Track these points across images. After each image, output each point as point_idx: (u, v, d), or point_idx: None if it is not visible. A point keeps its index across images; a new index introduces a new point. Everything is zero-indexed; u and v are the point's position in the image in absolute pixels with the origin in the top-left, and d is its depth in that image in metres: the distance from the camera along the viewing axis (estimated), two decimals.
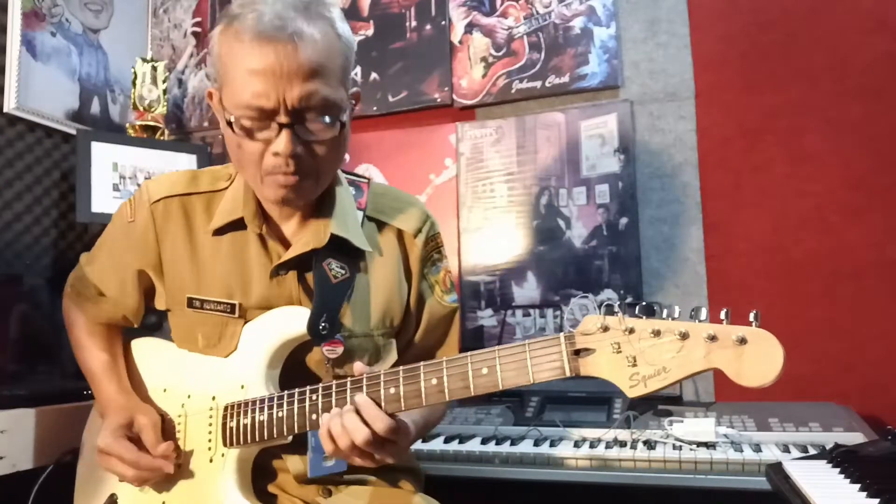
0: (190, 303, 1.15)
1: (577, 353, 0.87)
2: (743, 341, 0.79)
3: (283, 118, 0.99)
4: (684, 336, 0.81)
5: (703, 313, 0.82)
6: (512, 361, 0.90)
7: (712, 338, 0.80)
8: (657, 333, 0.83)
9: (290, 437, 1.05)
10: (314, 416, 1.01)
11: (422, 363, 0.96)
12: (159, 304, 1.23)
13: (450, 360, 0.94)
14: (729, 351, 0.80)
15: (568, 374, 0.87)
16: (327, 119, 1.01)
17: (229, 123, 1.00)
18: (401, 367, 0.97)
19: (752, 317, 0.81)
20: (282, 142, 0.99)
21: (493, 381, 0.91)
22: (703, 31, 2.03)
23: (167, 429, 1.15)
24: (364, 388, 0.98)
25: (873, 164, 1.84)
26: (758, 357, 0.78)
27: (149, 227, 1.18)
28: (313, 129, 1.02)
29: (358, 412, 0.95)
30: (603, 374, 0.86)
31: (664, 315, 0.84)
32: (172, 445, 1.10)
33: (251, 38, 0.97)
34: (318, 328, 1.08)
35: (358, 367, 1.01)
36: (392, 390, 0.96)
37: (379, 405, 0.96)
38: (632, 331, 0.84)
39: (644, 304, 0.86)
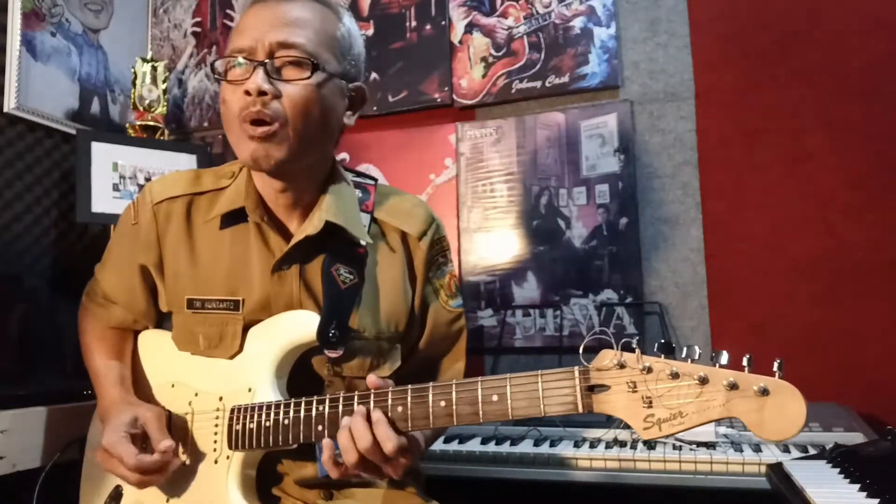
0: (190, 304, 1.14)
1: (591, 388, 0.86)
2: (765, 392, 0.77)
3: (258, 56, 1.03)
4: (703, 381, 0.79)
5: (724, 357, 0.80)
6: (523, 391, 0.89)
7: (733, 386, 0.78)
8: (675, 376, 0.81)
9: (296, 445, 1.05)
10: (320, 428, 1.00)
11: (431, 384, 0.95)
12: (162, 306, 1.22)
13: (459, 384, 0.93)
14: (750, 401, 0.78)
15: (580, 410, 0.86)
16: (302, 65, 1.04)
17: (213, 70, 1.08)
18: (409, 386, 0.96)
19: (775, 366, 0.78)
20: (252, 77, 1.03)
21: (503, 409, 0.89)
22: (703, 31, 2.03)
23: (179, 423, 1.14)
24: (371, 403, 0.97)
25: (873, 164, 1.84)
26: (779, 410, 0.76)
27: (151, 228, 1.18)
28: (285, 71, 1.04)
29: (370, 425, 0.94)
30: (617, 412, 0.84)
31: (683, 355, 0.82)
32: (173, 443, 1.08)
33: (250, 3, 1.08)
34: (328, 335, 1.07)
35: (371, 379, 0.99)
36: (399, 409, 0.95)
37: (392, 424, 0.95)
38: (649, 370, 0.82)
39: (663, 341, 0.84)
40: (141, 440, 1.09)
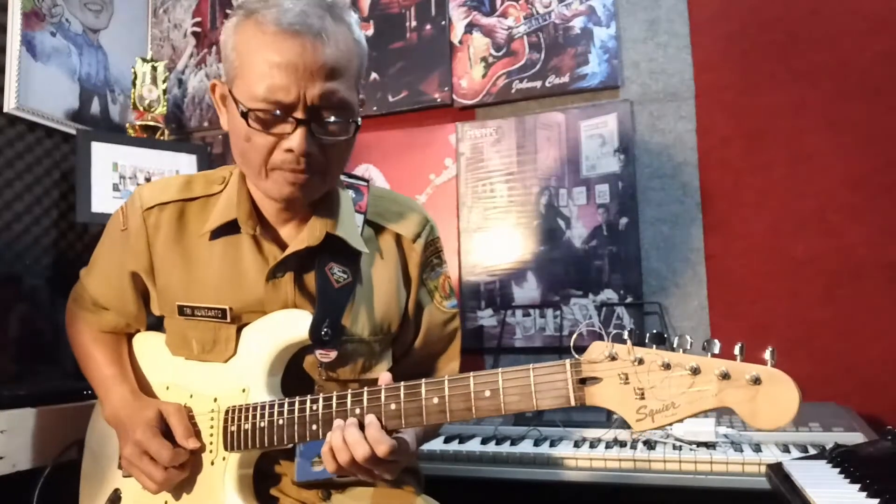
0: (181, 310, 1.14)
1: (583, 381, 0.85)
2: (757, 381, 0.76)
3: (300, 114, 0.99)
4: (695, 371, 0.78)
5: (717, 347, 0.79)
6: (515, 386, 0.88)
7: (725, 375, 0.77)
8: (667, 366, 0.80)
9: (291, 445, 1.05)
10: (314, 427, 1.00)
11: (423, 380, 0.95)
12: (154, 310, 1.22)
13: (452, 379, 0.93)
14: (742, 391, 0.76)
15: (573, 403, 0.85)
16: (343, 120, 1.02)
17: (244, 115, 0.99)
18: (402, 383, 0.96)
19: (767, 354, 0.77)
20: (297, 139, 0.99)
21: (495, 405, 0.89)
22: (703, 31, 2.03)
23: (189, 419, 1.14)
24: (364, 401, 0.97)
25: (873, 164, 1.84)
26: (772, 399, 0.75)
27: (141, 233, 1.17)
28: (329, 129, 1.02)
29: (362, 429, 0.94)
30: (609, 405, 0.83)
31: (675, 345, 0.81)
32: (198, 442, 1.09)
33: (275, 31, 0.97)
34: (321, 334, 1.06)
35: (385, 377, 1.00)
36: (393, 406, 0.95)
37: (382, 424, 0.95)
38: (641, 361, 0.81)
39: (655, 332, 0.83)
40: (168, 439, 1.09)
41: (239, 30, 1.02)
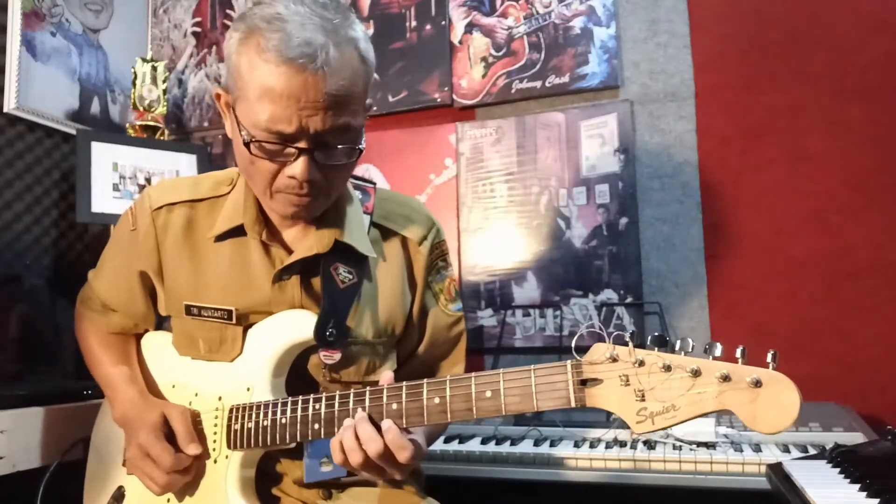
0: (188, 310, 1.14)
1: (584, 382, 0.85)
2: (758, 384, 0.76)
3: (303, 144, 0.98)
4: (696, 373, 0.78)
5: (718, 349, 0.79)
6: (516, 387, 0.88)
7: (725, 378, 0.77)
8: (668, 368, 0.80)
9: (294, 444, 1.05)
10: (316, 426, 1.01)
11: (425, 380, 0.95)
12: (161, 310, 1.22)
13: (453, 379, 0.93)
14: (742, 393, 0.76)
15: (573, 404, 0.85)
16: (346, 146, 1.02)
17: (247, 144, 0.98)
18: (404, 383, 0.96)
19: (769, 357, 0.77)
20: (299, 167, 0.99)
21: (496, 405, 0.89)
22: (703, 31, 2.03)
23: (193, 422, 1.14)
24: (367, 401, 0.97)
25: (873, 164, 1.84)
26: (773, 402, 0.75)
27: (150, 233, 1.17)
28: (332, 156, 1.01)
29: (381, 436, 0.94)
30: (609, 406, 0.84)
31: (677, 348, 0.81)
32: (200, 447, 1.09)
33: (277, 61, 0.94)
34: (325, 334, 1.07)
35: (386, 377, 1.00)
36: (394, 406, 0.95)
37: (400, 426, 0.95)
38: (641, 363, 0.81)
39: (657, 334, 0.83)
40: (171, 443, 1.09)
41: (242, 49, 0.98)
